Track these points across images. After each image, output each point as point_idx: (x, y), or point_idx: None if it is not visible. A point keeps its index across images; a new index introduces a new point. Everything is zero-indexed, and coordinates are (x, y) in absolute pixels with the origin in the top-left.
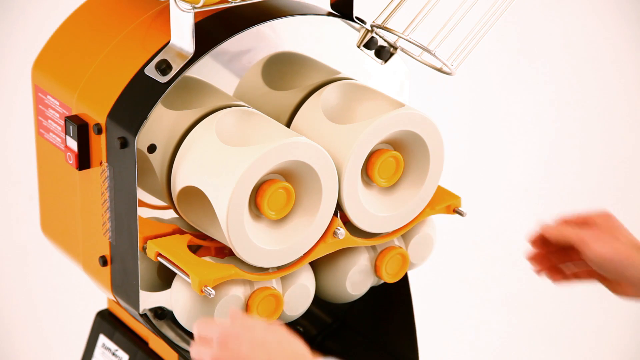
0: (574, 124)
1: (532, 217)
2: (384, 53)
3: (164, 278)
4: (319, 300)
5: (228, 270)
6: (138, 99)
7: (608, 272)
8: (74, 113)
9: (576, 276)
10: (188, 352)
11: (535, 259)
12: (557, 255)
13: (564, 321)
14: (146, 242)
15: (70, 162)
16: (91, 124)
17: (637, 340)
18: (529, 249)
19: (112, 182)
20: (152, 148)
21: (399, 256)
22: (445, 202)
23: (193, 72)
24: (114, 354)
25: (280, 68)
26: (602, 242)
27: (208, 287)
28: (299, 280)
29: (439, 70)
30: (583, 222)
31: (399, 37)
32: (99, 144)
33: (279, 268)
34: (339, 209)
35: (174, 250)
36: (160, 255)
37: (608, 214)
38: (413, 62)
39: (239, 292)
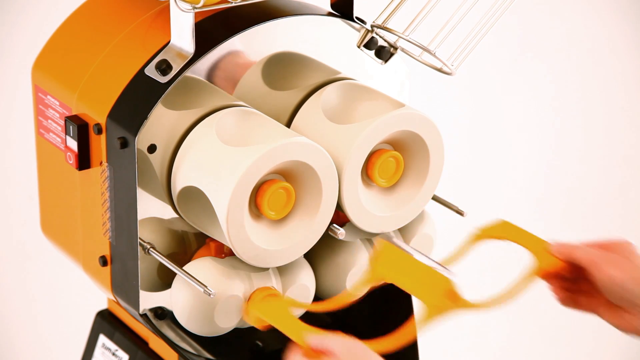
0: (574, 124)
1: (532, 217)
2: (384, 53)
3: (164, 278)
4: (319, 300)
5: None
6: (138, 99)
7: (618, 298)
8: (74, 113)
9: (580, 305)
10: (188, 352)
11: (547, 277)
12: (569, 277)
13: (565, 322)
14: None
15: (70, 162)
16: (91, 124)
17: (637, 340)
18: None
19: (112, 182)
20: (152, 148)
21: None
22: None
23: (193, 72)
24: (114, 354)
25: (280, 68)
26: (615, 264)
27: (208, 287)
28: (299, 280)
29: (439, 70)
30: (599, 246)
31: (399, 37)
32: (99, 144)
33: (279, 268)
34: (339, 209)
35: (277, 317)
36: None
37: (627, 241)
38: (413, 62)
39: (239, 292)
